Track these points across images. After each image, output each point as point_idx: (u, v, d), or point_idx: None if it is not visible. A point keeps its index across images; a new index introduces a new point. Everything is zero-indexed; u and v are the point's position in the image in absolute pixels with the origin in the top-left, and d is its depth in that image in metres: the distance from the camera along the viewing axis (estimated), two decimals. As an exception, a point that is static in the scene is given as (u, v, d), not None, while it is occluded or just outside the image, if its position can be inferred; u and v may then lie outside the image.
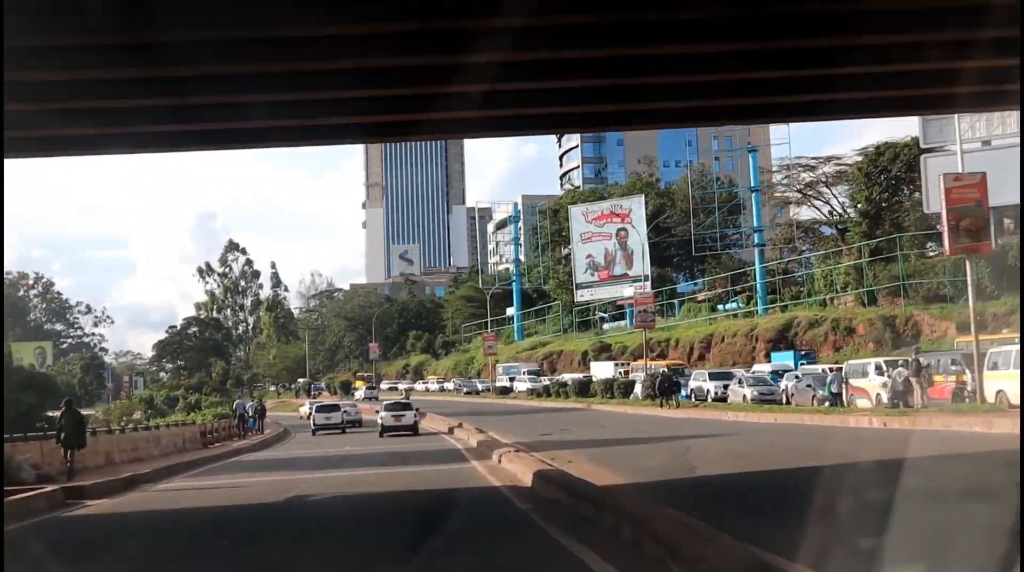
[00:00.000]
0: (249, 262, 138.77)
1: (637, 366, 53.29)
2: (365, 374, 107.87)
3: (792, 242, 70.66)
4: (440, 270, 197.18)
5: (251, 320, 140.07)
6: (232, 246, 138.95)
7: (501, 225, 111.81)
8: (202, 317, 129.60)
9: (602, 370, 60.23)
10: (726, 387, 39.55)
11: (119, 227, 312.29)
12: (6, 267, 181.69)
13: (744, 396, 37.10)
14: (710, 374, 42.78)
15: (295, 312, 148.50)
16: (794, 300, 62.14)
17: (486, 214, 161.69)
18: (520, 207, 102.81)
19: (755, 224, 67.80)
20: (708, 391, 40.86)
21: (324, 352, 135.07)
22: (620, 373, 55.81)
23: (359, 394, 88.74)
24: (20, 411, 43.22)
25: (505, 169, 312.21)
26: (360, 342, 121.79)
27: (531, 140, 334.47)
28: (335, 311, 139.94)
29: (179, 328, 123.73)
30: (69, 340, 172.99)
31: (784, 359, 45.39)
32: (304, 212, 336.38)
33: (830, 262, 60.19)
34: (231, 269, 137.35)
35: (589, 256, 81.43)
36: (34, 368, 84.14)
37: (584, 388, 53.56)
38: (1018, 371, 24.37)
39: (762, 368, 43.58)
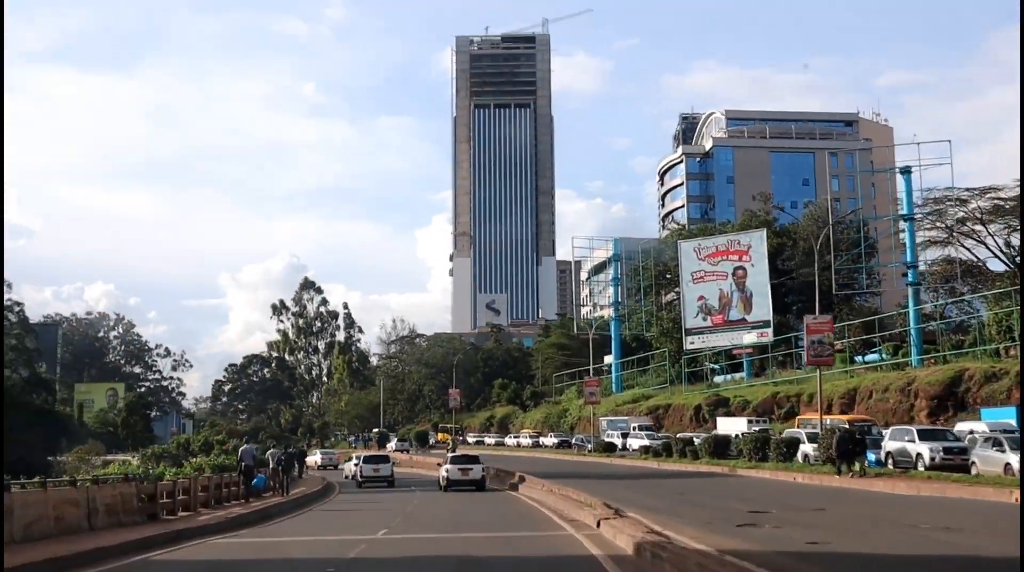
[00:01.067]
0: (324, 301, 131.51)
1: (806, 421, 42.90)
2: (447, 425, 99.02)
3: (951, 282, 59.92)
4: (528, 322, 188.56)
5: (324, 365, 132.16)
6: (307, 284, 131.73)
7: (598, 268, 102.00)
8: (266, 356, 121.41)
9: (732, 427, 50.65)
10: (949, 451, 29.13)
11: (214, 278, 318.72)
12: (90, 309, 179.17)
13: (1008, 465, 26.35)
14: (920, 433, 31.46)
15: (374, 360, 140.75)
16: (955, 350, 52.27)
17: (578, 267, 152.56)
18: (620, 248, 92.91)
19: (907, 258, 56.93)
20: (920, 456, 30.09)
21: (403, 401, 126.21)
22: (754, 430, 45.99)
23: (391, 446, 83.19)
24: (18, 454, 35.73)
25: (593, 228, 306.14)
26: (441, 391, 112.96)
27: (620, 198, 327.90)
28: (416, 357, 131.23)
29: (239, 367, 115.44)
30: (147, 383, 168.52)
31: (1001, 416, 34.71)
32: (393, 267, 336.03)
33: (1006, 305, 50.01)
34: (305, 308, 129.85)
35: (701, 298, 71.54)
36: (81, 411, 77.58)
37: (721, 447, 43.16)
38: None
39: (969, 426, 33.10)
